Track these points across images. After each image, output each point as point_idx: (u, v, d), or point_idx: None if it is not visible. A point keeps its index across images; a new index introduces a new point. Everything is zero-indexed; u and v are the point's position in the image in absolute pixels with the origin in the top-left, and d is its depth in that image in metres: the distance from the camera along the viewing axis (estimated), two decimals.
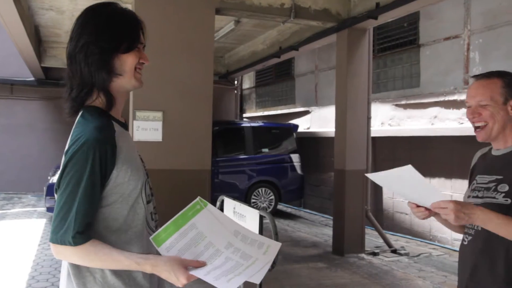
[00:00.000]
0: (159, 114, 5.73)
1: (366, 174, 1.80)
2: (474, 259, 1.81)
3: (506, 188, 1.73)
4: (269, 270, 2.80)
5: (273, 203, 10.10)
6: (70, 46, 1.54)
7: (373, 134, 8.49)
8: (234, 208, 3.30)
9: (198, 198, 1.56)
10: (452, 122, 7.40)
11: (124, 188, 1.49)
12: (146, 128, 5.68)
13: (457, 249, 7.12)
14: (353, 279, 5.64)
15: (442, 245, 7.33)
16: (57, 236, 1.38)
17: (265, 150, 10.25)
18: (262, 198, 10.00)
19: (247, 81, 14.94)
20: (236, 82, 13.27)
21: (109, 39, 1.49)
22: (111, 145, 1.45)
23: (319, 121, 11.04)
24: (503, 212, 1.67)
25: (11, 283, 5.33)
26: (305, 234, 8.36)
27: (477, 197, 1.84)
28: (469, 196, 1.91)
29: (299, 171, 10.28)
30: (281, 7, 6.41)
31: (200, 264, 1.43)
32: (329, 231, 7.99)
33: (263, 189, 10.00)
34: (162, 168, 5.67)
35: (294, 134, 10.50)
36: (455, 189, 7.19)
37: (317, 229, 8.88)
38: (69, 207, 1.38)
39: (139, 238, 1.53)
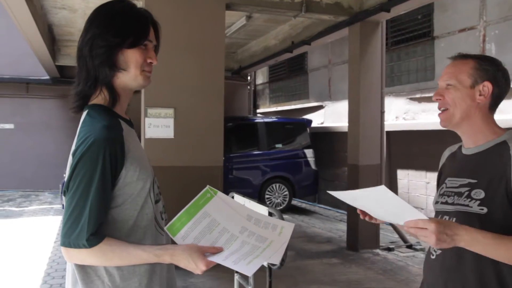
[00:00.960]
0: (170, 111, 5.73)
1: (329, 191, 1.61)
2: (445, 278, 1.58)
3: (482, 195, 1.51)
4: (279, 268, 2.78)
5: (287, 199, 10.07)
6: (79, 41, 1.54)
7: (387, 129, 8.40)
8: (244, 204, 3.28)
9: (207, 187, 1.57)
10: None
11: (133, 188, 1.46)
12: (157, 125, 5.69)
13: None
14: (367, 275, 5.59)
15: None
16: (70, 239, 1.35)
17: (279, 145, 10.21)
18: (276, 194, 9.98)
19: (261, 76, 14.89)
20: (249, 77, 13.23)
21: (114, 33, 1.47)
22: (120, 144, 1.43)
23: (333, 115, 10.96)
24: (479, 222, 1.47)
25: (27, 279, 5.40)
26: (320, 229, 8.31)
27: (446, 203, 1.62)
28: (437, 202, 1.69)
29: (313, 166, 10.23)
30: (292, 1, 6.35)
31: (217, 250, 1.42)
32: (343, 227, 7.93)
33: (277, 184, 9.97)
34: (174, 165, 5.69)
35: (308, 129, 10.45)
36: None
37: (332, 224, 8.82)
38: (81, 209, 1.36)
39: (150, 238, 1.51)
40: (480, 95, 1.58)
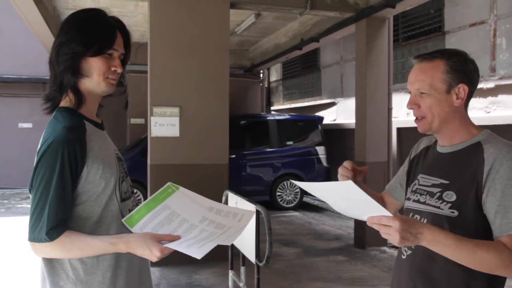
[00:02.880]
0: (176, 110, 5.79)
1: (294, 182, 1.61)
2: (412, 279, 1.57)
3: (453, 197, 1.47)
4: (265, 264, 2.82)
5: (298, 196, 10.07)
6: (51, 47, 1.61)
7: (398, 125, 8.36)
8: (236, 203, 3.32)
9: (169, 183, 1.60)
10: (479, 111, 7.18)
11: (96, 186, 1.53)
12: (163, 123, 5.76)
13: None
14: (372, 272, 5.57)
15: None
16: (34, 234, 1.44)
17: (290, 143, 10.21)
18: (288, 191, 9.99)
19: (274, 73, 14.90)
20: (261, 75, 13.24)
21: (79, 41, 1.53)
22: (80, 144, 1.50)
23: (345, 112, 10.92)
24: (449, 226, 1.44)
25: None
26: (329, 227, 8.30)
27: (419, 201, 1.59)
28: (409, 199, 1.66)
29: (324, 163, 10.20)
30: None
31: (174, 238, 1.44)
32: (353, 224, 7.91)
33: (289, 182, 9.97)
34: (180, 163, 5.76)
35: (319, 126, 10.42)
36: None
37: (342, 221, 8.80)
38: (42, 206, 1.44)
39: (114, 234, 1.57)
40: (457, 98, 1.52)
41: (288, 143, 10.21)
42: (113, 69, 1.59)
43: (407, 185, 1.75)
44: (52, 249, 1.45)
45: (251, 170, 9.91)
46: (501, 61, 6.88)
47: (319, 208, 10.50)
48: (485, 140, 1.50)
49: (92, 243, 1.46)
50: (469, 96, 1.55)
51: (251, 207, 2.97)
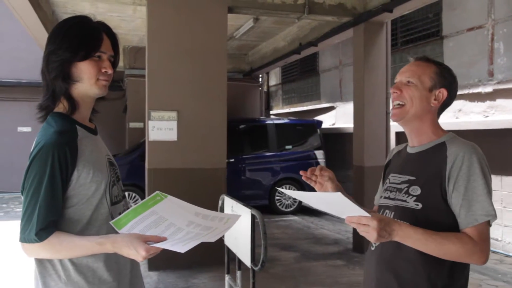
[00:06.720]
0: (173, 114, 5.80)
1: (278, 188, 1.70)
2: (379, 270, 1.69)
3: (418, 191, 1.61)
4: (260, 269, 2.81)
5: (297, 200, 10.06)
6: (42, 58, 1.64)
7: (397, 129, 8.34)
8: (232, 207, 3.32)
9: (157, 192, 1.62)
10: (477, 115, 7.19)
11: (87, 189, 1.57)
12: (161, 128, 5.76)
13: None
14: None
15: None
16: (24, 235, 1.47)
17: (289, 147, 10.20)
18: (286, 195, 9.98)
19: (274, 77, 14.91)
20: (260, 79, 13.25)
21: (66, 48, 1.57)
22: (70, 148, 1.53)
23: (344, 116, 10.92)
24: (413, 217, 1.58)
25: None
26: (328, 231, 8.29)
27: (389, 198, 1.73)
28: (381, 197, 1.81)
29: None
30: (294, 3, 6.35)
31: (160, 239, 1.46)
32: (352, 229, 7.90)
33: (288, 186, 9.96)
34: (177, 167, 5.76)
35: (318, 130, 10.42)
36: None
37: (341, 226, 8.79)
38: (33, 208, 1.47)
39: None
40: (435, 99, 1.67)
41: (287, 147, 10.21)
42: (103, 70, 1.62)
43: (381, 185, 1.89)
44: (41, 250, 1.48)
45: (250, 174, 9.91)
46: (499, 65, 6.89)
47: (318, 212, 10.48)
48: (449, 141, 1.65)
49: (79, 243, 1.49)
50: (444, 106, 1.72)
51: (246, 211, 2.97)
